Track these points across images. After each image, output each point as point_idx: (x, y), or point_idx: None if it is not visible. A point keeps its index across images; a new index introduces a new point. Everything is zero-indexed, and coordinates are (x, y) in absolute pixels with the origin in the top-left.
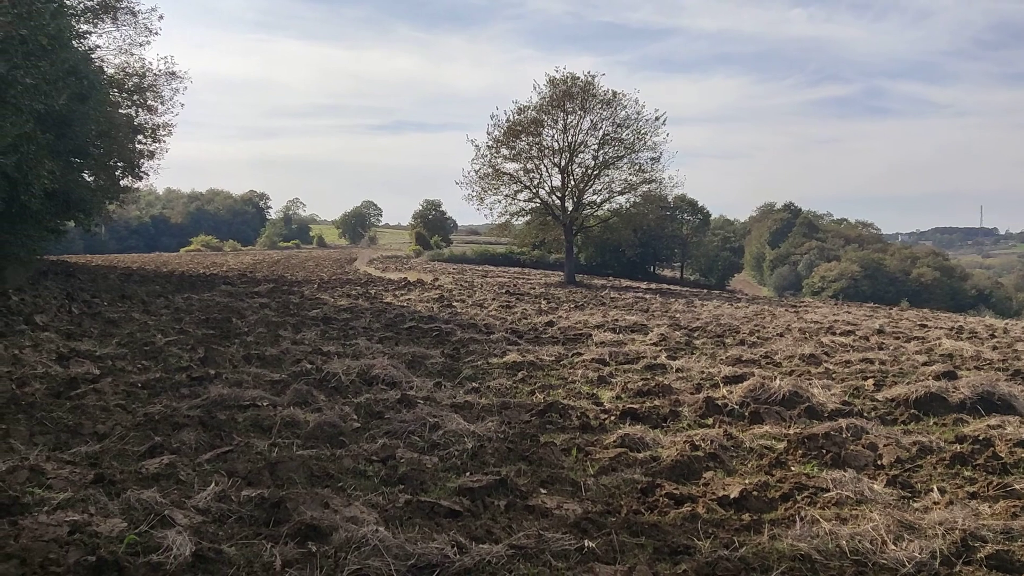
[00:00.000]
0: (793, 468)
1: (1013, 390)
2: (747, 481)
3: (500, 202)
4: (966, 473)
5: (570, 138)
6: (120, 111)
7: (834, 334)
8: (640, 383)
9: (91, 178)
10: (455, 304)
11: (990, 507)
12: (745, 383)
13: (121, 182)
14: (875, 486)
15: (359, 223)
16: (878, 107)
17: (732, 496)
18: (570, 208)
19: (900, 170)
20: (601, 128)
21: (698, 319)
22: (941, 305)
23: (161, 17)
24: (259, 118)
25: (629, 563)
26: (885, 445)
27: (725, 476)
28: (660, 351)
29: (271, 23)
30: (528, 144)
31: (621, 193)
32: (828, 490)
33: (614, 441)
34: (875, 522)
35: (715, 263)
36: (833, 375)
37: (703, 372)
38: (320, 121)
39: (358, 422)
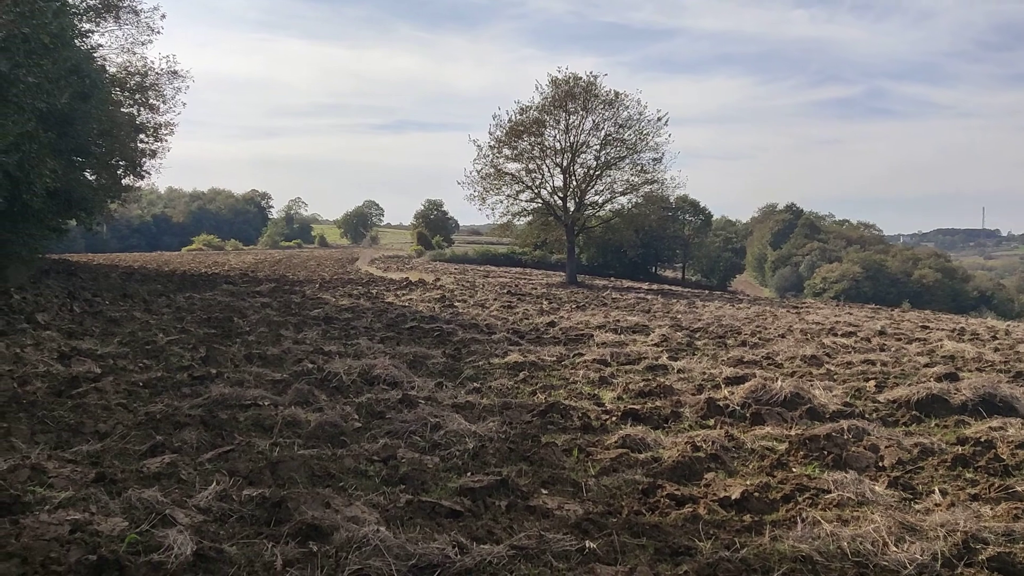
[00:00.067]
0: (794, 469)
1: (1015, 392)
2: (748, 482)
3: (502, 202)
4: (968, 475)
5: (572, 138)
6: (122, 110)
7: (836, 335)
8: (641, 384)
9: (93, 177)
10: (456, 304)
11: (992, 509)
12: (746, 384)
13: (123, 181)
14: (876, 487)
15: (361, 223)
16: (880, 108)
17: (733, 497)
18: (572, 208)
19: (902, 171)
20: (603, 128)
21: (700, 320)
22: (943, 306)
23: (163, 16)
24: (261, 117)
25: (630, 564)
26: (887, 447)
27: (726, 477)
28: (662, 352)
29: (273, 22)
30: (530, 144)
31: (623, 193)
32: (829, 491)
33: (615, 442)
34: (876, 524)
35: (717, 264)
36: (835, 376)
37: (704, 373)
38: (322, 120)
39: (359, 422)
